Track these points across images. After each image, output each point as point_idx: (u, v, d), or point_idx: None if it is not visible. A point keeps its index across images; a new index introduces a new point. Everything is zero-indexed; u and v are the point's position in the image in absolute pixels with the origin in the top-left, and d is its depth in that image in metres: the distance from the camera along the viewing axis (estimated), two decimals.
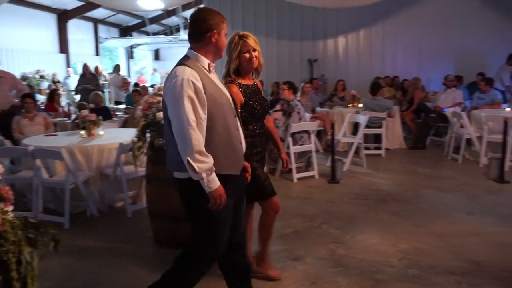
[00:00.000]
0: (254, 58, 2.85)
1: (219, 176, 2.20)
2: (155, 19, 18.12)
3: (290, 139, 6.07)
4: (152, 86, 12.84)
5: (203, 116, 2.16)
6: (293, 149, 6.13)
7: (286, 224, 4.43)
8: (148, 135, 3.92)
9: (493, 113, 7.02)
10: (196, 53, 2.32)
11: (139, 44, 19.92)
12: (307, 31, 12.25)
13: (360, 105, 8.34)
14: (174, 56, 22.14)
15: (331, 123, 6.47)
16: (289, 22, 12.31)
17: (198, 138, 2.11)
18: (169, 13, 16.61)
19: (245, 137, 2.47)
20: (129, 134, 4.69)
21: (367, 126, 7.23)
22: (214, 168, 2.16)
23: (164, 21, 18.32)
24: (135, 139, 3.92)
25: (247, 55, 2.83)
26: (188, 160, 2.11)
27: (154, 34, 19.26)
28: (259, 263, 3.29)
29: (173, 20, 18.26)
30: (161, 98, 3.90)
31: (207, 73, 2.29)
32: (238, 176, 2.40)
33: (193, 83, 2.15)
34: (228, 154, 2.27)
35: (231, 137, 2.30)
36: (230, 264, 2.61)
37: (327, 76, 12.09)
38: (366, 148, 7.61)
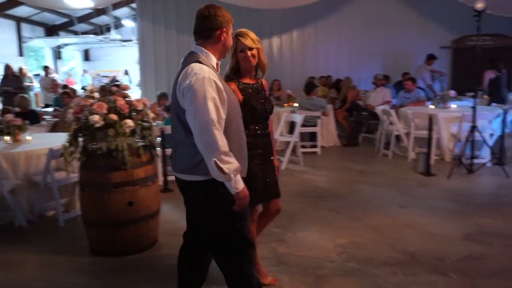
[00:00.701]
0: (250, 57, 2.75)
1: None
2: (84, 18, 17.38)
3: None
4: (83, 88, 12.31)
5: (223, 117, 2.09)
6: None
7: None
8: (80, 139, 3.74)
9: (418, 110, 7.42)
10: (206, 50, 2.24)
11: (67, 44, 19.01)
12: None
13: (296, 105, 8.49)
14: (105, 57, 21.37)
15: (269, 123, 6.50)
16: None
17: (223, 139, 2.04)
18: (98, 12, 16.01)
19: (246, 138, 2.38)
20: (59, 139, 4.46)
21: (302, 125, 7.39)
22: (240, 168, 2.09)
23: (94, 20, 17.63)
24: (67, 144, 3.72)
25: (242, 54, 2.74)
26: (215, 162, 2.02)
27: (83, 33, 18.46)
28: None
29: (103, 19, 17.61)
30: (94, 100, 3.74)
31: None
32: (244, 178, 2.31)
33: (214, 82, 2.07)
34: (239, 156, 2.20)
35: (241, 139, 2.27)
36: (190, 261, 2.52)
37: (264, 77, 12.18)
38: (303, 147, 7.77)
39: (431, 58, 10.42)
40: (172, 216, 4.79)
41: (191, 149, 2.10)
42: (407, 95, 8.50)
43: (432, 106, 7.79)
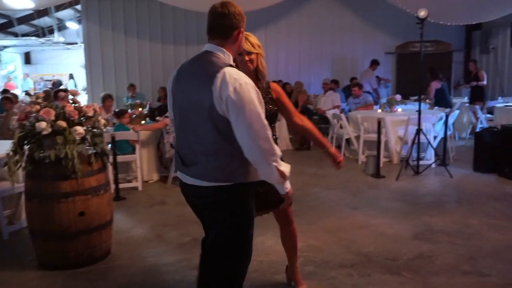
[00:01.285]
0: (248, 62, 2.64)
1: (251, 185, 2.11)
2: (24, 19, 16.56)
3: None
4: (27, 92, 11.72)
5: None
6: None
7: (183, 233, 4.34)
8: (26, 147, 3.54)
9: (367, 114, 7.64)
10: (227, 51, 2.12)
11: (6, 46, 18.08)
12: (192, 36, 12.16)
13: None
14: (48, 60, 20.51)
15: None
16: (173, 27, 12.13)
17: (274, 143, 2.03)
18: (40, 13, 15.33)
19: None
20: (1, 147, 4.20)
21: None
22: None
23: (35, 22, 16.85)
24: (11, 153, 3.52)
25: (240, 57, 2.63)
26: (276, 167, 2.00)
27: (24, 35, 17.62)
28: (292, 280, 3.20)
29: (45, 21, 16.89)
30: (39, 106, 3.56)
31: None
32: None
33: (254, 87, 2.00)
34: None
35: None
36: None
37: None
38: None
39: (374, 63, 10.82)
40: (125, 225, 4.65)
41: (227, 158, 2.03)
42: (356, 101, 8.74)
43: (379, 110, 8.04)
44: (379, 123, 6.52)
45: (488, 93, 11.83)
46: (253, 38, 2.65)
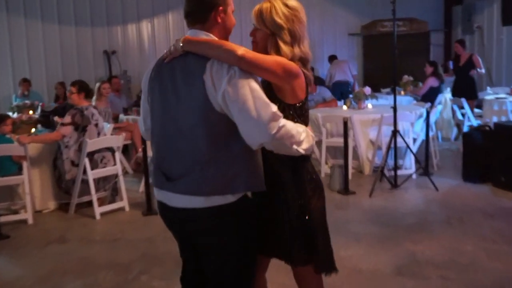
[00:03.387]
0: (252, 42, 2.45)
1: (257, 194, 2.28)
2: None
3: (87, 161, 5.72)
4: None
5: None
6: (93, 174, 5.80)
7: (90, 282, 4.13)
8: None
9: (330, 112, 7.62)
10: (214, 35, 2.23)
11: None
12: (100, 15, 11.84)
13: None
14: None
15: (141, 134, 6.24)
16: (74, 3, 11.75)
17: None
18: None
19: None
20: None
21: None
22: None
23: None
24: None
25: None
26: (307, 148, 2.18)
27: None
28: None
29: None
30: None
31: None
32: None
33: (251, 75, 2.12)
34: (258, 164, 2.29)
35: None
36: None
37: (131, 72, 11.92)
38: None
39: (333, 56, 11.16)
40: (8, 275, 4.40)
41: (225, 165, 2.14)
42: (310, 96, 8.75)
43: (345, 107, 8.07)
44: (345, 123, 6.50)
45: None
46: (279, 3, 2.32)
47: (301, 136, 2.14)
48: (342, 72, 11.22)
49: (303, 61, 2.33)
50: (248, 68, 2.06)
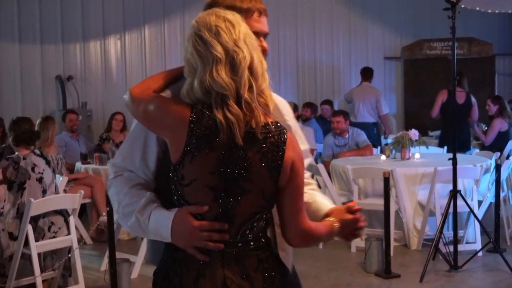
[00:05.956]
0: None
1: None
2: None
3: (29, 229, 5.57)
4: None
5: None
6: (37, 247, 5.66)
7: None
8: None
9: (363, 164, 7.52)
10: None
11: None
12: (52, 29, 11.89)
13: None
14: None
15: (105, 190, 6.27)
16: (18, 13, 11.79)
17: None
18: None
19: None
20: None
21: None
22: None
23: None
24: None
25: None
26: None
27: None
28: None
29: None
30: None
31: None
32: None
33: None
34: None
35: None
36: None
37: (92, 105, 11.83)
38: None
39: (368, 73, 11.03)
40: None
41: None
42: (339, 141, 8.70)
43: (383, 157, 8.00)
44: (386, 179, 6.42)
45: None
46: None
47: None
48: (368, 107, 11.02)
49: None
50: None
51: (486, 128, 9.82)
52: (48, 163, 6.24)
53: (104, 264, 6.46)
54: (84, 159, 8.77)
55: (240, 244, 2.19)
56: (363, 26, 12.95)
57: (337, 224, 2.45)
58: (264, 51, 2.34)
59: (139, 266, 6.60)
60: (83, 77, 12.09)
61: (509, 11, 12.24)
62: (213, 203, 2.13)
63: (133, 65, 12.30)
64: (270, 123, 2.14)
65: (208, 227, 2.13)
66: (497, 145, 9.06)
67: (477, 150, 9.14)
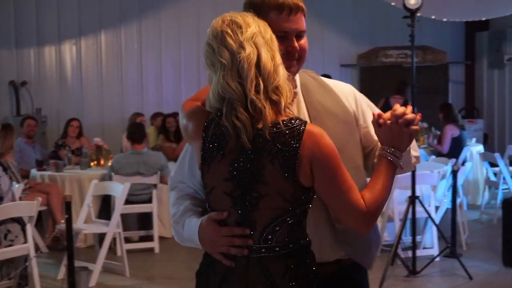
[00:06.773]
0: None
1: None
2: None
3: None
4: None
5: None
6: None
7: None
8: None
9: None
10: None
11: None
12: (6, 33, 11.79)
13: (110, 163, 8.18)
14: None
15: (62, 198, 6.32)
16: None
17: None
18: None
19: None
20: None
21: (127, 201, 7.16)
22: None
23: None
24: None
25: None
26: None
27: None
28: None
29: None
30: None
31: None
32: None
33: None
34: None
35: None
36: None
37: (47, 111, 11.70)
38: (128, 241, 7.60)
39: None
40: None
41: None
42: None
43: None
44: None
45: (506, 132, 12.45)
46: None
47: None
48: None
49: None
50: None
51: (439, 132, 9.96)
52: (5, 169, 6.16)
53: (62, 273, 6.45)
54: (40, 165, 8.69)
55: (263, 250, 2.15)
56: (320, 34, 12.99)
57: (382, 148, 2.30)
58: (291, 52, 2.32)
59: (97, 274, 6.60)
60: (37, 82, 11.96)
61: (464, 20, 12.46)
62: (232, 209, 2.14)
63: (89, 71, 12.20)
64: (281, 122, 2.08)
65: (227, 233, 2.14)
66: (452, 152, 9.16)
67: (434, 157, 9.25)
